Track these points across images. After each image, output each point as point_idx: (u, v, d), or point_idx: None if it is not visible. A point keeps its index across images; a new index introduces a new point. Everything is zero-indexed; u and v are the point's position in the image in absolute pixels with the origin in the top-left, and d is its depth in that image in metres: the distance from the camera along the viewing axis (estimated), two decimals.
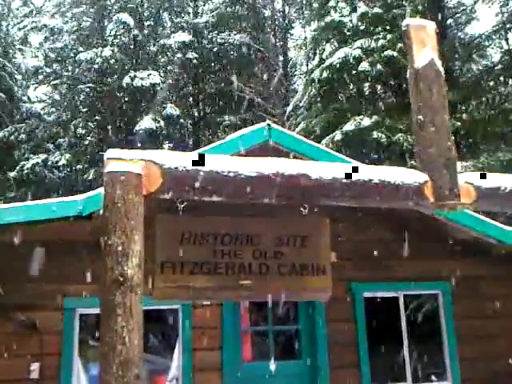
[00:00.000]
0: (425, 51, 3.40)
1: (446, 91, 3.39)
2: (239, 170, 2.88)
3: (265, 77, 21.06)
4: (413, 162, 3.03)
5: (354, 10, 15.24)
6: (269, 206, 3.28)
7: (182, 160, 2.84)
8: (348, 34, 15.28)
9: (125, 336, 2.44)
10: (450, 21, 16.20)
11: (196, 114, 21.26)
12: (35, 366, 5.33)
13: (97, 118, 19.25)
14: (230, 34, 21.04)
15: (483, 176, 3.31)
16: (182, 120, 20.07)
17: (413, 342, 6.74)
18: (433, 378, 6.75)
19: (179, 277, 4.55)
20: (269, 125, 6.10)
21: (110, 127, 19.41)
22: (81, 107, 20.64)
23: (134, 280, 2.53)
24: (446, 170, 3.17)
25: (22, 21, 22.50)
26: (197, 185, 2.81)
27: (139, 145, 17.53)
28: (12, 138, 19.33)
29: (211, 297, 4.90)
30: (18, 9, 23.43)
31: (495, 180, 3.37)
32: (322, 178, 2.99)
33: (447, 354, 6.83)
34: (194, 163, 2.84)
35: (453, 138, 3.42)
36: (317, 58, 16.18)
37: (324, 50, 16.30)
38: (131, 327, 2.46)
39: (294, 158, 5.74)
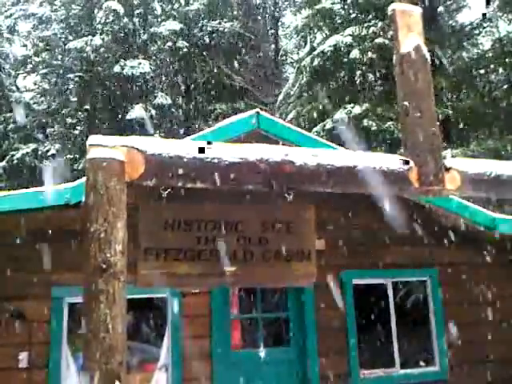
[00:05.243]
0: (411, 36, 3.39)
1: (431, 77, 3.38)
2: (223, 156, 2.87)
3: (256, 65, 20.96)
4: (402, 149, 3.02)
5: None
6: (253, 192, 3.27)
7: (165, 146, 2.83)
8: (339, 21, 15.22)
9: (108, 323, 2.43)
10: (440, 8, 16.16)
11: (187, 103, 21.14)
12: (23, 355, 5.32)
13: (87, 107, 19.09)
14: (220, 22, 20.88)
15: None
16: (172, 109, 19.97)
17: (401, 328, 6.79)
18: (421, 363, 6.82)
19: (163, 264, 4.55)
20: (257, 113, 6.09)
21: (99, 116, 19.28)
22: (70, 96, 20.46)
23: (117, 267, 2.51)
24: (431, 155, 3.18)
25: (9, 9, 22.20)
26: (180, 171, 2.79)
27: (130, 134, 17.40)
28: (1, 127, 19.16)
29: (195, 284, 4.91)
30: None
31: (480, 166, 3.37)
32: (307, 164, 2.99)
33: (435, 340, 6.89)
34: (179, 150, 2.82)
35: (438, 124, 3.42)
36: (308, 46, 16.12)
37: (315, 37, 16.24)
38: (114, 314, 2.45)
39: (283, 145, 5.73)
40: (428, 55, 3.37)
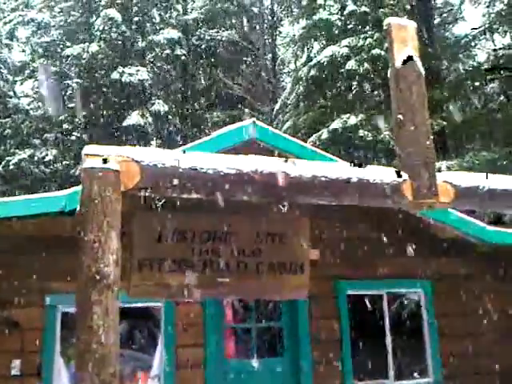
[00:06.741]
0: (405, 51, 3.42)
1: (425, 91, 3.41)
2: (218, 167, 2.88)
3: (253, 74, 21.06)
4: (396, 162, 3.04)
5: (343, 8, 15.27)
6: (248, 204, 3.28)
7: (160, 157, 2.84)
8: (336, 32, 15.32)
9: (101, 334, 2.43)
10: (437, 20, 16.29)
11: (184, 111, 21.19)
12: (16, 363, 5.29)
13: (84, 113, 19.10)
14: (218, 31, 20.98)
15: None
16: (170, 116, 20.01)
17: (396, 339, 6.79)
18: (415, 374, 6.81)
19: (157, 274, 4.53)
20: (254, 122, 6.11)
21: (97, 123, 19.30)
22: (68, 103, 20.49)
23: (111, 278, 2.51)
24: (425, 168, 3.20)
25: (8, 15, 22.26)
26: (175, 182, 2.80)
27: (126, 141, 17.45)
28: None
29: (189, 295, 4.89)
30: (5, 3, 23.16)
31: (473, 179, 3.40)
32: (302, 175, 3.01)
33: (429, 351, 6.90)
34: (174, 160, 2.84)
35: (433, 136, 3.45)
36: (305, 56, 16.22)
37: (312, 47, 16.35)
38: (107, 325, 2.45)
39: (279, 155, 5.75)
40: (422, 69, 3.41)
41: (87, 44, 18.81)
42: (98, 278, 2.46)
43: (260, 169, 2.93)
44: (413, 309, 7.13)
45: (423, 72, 3.39)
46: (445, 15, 16.86)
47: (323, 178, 3.04)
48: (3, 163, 18.30)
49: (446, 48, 15.15)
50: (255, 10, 22.14)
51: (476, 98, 14.44)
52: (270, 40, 22.62)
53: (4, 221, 5.07)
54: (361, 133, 12.79)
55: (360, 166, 3.11)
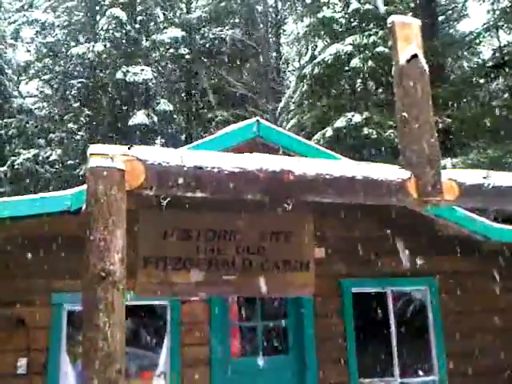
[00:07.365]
0: (409, 48, 3.42)
1: (430, 88, 3.41)
2: (223, 165, 2.88)
3: (257, 73, 21.06)
4: (401, 160, 3.05)
5: (347, 5, 15.25)
6: (253, 202, 3.29)
7: (165, 156, 2.85)
8: (340, 30, 15.30)
9: (107, 331, 2.44)
10: (441, 18, 16.24)
11: (188, 110, 21.22)
12: (22, 362, 5.32)
13: (88, 113, 19.16)
14: (222, 30, 20.99)
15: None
16: (174, 115, 20.04)
17: (400, 337, 6.78)
18: (420, 372, 6.81)
19: (162, 272, 4.55)
20: (258, 121, 6.11)
21: (101, 122, 19.35)
22: (72, 102, 20.54)
23: (117, 275, 2.52)
24: (430, 166, 3.19)
25: (13, 15, 22.34)
26: (180, 181, 2.81)
27: (131, 140, 17.48)
28: (2, 132, 19.22)
29: (194, 293, 4.90)
30: (10, 3, 23.25)
31: (478, 177, 3.39)
32: (306, 174, 3.01)
33: (434, 349, 6.89)
34: (178, 159, 2.84)
35: (438, 133, 3.45)
36: (309, 54, 16.21)
37: (316, 45, 16.33)
38: (113, 322, 2.46)
39: (283, 154, 5.76)
40: (426, 67, 3.39)
41: (92, 43, 18.85)
42: (103, 276, 2.47)
43: (264, 167, 2.93)
44: (418, 307, 7.12)
45: (427, 69, 3.38)
46: (449, 12, 16.80)
47: (327, 176, 3.04)
48: (8, 163, 18.38)
49: (450, 45, 15.09)
50: (259, 8, 22.14)
51: (481, 95, 14.39)
52: (274, 38, 22.62)
53: (10, 220, 5.10)
54: (365, 131, 12.78)
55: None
